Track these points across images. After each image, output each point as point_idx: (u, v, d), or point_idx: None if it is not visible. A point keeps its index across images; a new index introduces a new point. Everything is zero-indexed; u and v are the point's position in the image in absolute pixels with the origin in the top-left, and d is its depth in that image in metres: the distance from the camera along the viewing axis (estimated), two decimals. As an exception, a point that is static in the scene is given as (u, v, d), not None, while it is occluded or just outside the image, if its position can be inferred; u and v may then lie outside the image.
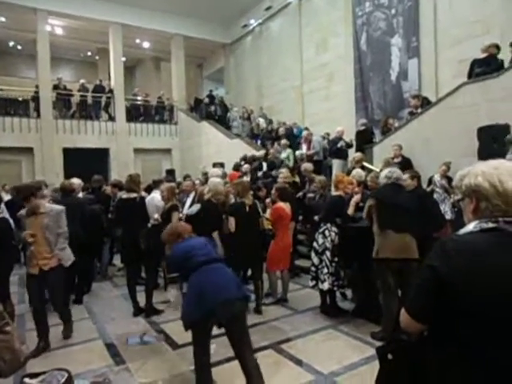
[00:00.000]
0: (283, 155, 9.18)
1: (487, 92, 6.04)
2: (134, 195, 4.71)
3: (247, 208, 4.59)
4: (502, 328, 1.07)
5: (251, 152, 10.75)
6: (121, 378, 3.21)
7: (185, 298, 2.70)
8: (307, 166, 7.06)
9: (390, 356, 1.35)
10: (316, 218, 5.05)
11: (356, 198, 4.44)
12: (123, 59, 16.12)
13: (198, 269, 2.62)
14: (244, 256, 4.48)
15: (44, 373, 2.44)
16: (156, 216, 4.86)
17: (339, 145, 8.39)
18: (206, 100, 15.32)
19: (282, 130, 11.16)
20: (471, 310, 1.09)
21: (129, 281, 4.74)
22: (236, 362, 2.69)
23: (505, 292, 1.07)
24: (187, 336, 2.68)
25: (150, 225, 4.96)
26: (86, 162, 12.29)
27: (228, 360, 3.26)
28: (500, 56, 6.50)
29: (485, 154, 4.94)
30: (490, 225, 1.15)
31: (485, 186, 1.15)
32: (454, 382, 1.13)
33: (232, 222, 4.51)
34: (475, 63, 6.51)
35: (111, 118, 15.15)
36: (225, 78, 18.54)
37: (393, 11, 10.21)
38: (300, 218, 6.37)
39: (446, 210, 5.82)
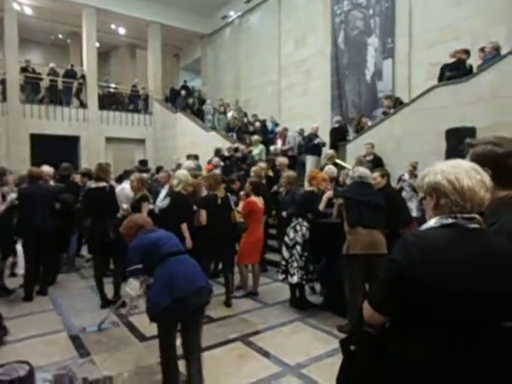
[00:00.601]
0: (255, 151, 9.15)
1: (456, 95, 6.26)
2: (103, 184, 4.59)
3: (219, 201, 4.57)
4: (457, 320, 1.12)
5: (226, 145, 10.71)
6: (85, 370, 3.14)
7: (149, 289, 2.60)
8: (282, 160, 7.11)
9: (352, 347, 1.38)
10: (284, 213, 5.12)
11: (328, 193, 4.51)
12: (97, 45, 15.58)
13: (166, 259, 2.57)
14: (215, 249, 4.48)
15: (3, 365, 2.35)
16: (125, 206, 4.77)
17: (316, 141, 8.48)
18: (183, 93, 15.10)
19: (257, 125, 11.17)
20: (429, 303, 1.13)
21: (96, 272, 4.63)
22: (211, 352, 2.70)
23: (460, 285, 1.12)
24: (156, 328, 2.65)
25: (119, 215, 4.86)
26: (54, 149, 11.86)
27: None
28: (470, 61, 6.75)
29: (452, 154, 5.11)
30: (450, 220, 1.20)
31: (443, 183, 1.21)
32: (416, 372, 1.17)
33: (203, 214, 4.49)
34: (445, 67, 6.73)
35: (83, 105, 14.65)
36: (202, 69, 18.30)
37: (370, 11, 10.36)
38: (274, 212, 6.41)
39: (413, 208, 6.01)
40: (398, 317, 1.23)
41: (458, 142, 5.45)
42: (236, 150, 9.65)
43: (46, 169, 5.78)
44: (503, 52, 6.24)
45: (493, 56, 6.34)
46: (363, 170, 4.02)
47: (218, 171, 6.88)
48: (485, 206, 1.21)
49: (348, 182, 4.08)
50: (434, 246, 1.17)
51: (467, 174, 1.19)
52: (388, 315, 1.25)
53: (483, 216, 1.24)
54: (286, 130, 10.13)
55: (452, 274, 1.12)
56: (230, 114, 13.37)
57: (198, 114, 14.62)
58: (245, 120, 12.79)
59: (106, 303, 4.55)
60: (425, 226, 1.27)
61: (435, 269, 1.13)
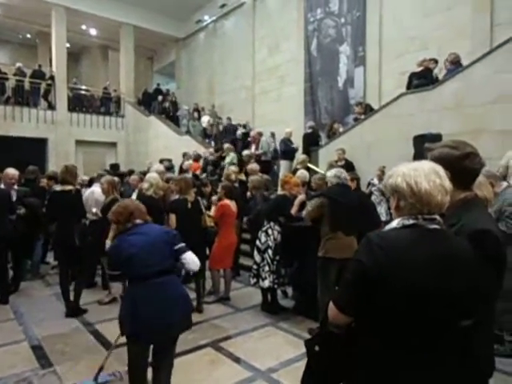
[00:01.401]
0: (227, 160, 8.89)
1: (423, 103, 6.48)
2: (69, 188, 4.43)
3: (189, 205, 4.51)
4: (419, 319, 1.14)
5: (200, 150, 10.63)
6: (46, 381, 3.01)
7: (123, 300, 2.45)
8: (253, 166, 7.12)
9: (316, 348, 1.38)
10: (245, 219, 5.13)
11: (300, 197, 4.52)
12: (67, 45, 15.21)
13: (136, 281, 2.31)
14: None
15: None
16: (94, 210, 4.62)
17: (291, 147, 8.54)
18: (160, 98, 14.91)
19: (238, 134, 11.16)
20: (391, 302, 1.15)
21: (62, 279, 4.45)
22: (182, 358, 2.62)
23: (420, 285, 1.14)
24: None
25: (87, 220, 4.71)
26: (20, 152, 11.42)
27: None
28: (436, 71, 7.02)
29: (419, 160, 5.28)
30: (411, 221, 1.23)
31: (403, 186, 1.23)
32: (379, 372, 1.19)
33: (173, 218, 4.42)
34: (413, 76, 6.96)
35: (51, 107, 14.21)
36: (176, 73, 18.16)
37: (342, 20, 10.60)
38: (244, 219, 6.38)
39: (382, 212, 6.15)
40: (362, 316, 1.24)
41: (424, 148, 5.64)
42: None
43: (12, 172, 5.46)
44: (467, 63, 6.51)
45: (454, 68, 6.60)
46: (343, 172, 3.99)
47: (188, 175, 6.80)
48: (444, 208, 1.24)
49: (332, 180, 3.91)
50: (396, 246, 1.19)
51: (426, 177, 1.21)
52: (352, 315, 1.26)
53: (444, 217, 1.27)
54: (260, 134, 10.17)
55: (413, 274, 1.14)
56: (205, 119, 13.29)
57: (173, 118, 14.47)
58: (220, 127, 12.72)
59: (71, 312, 4.38)
60: (388, 227, 1.30)
61: (398, 269, 1.15)
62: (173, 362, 2.56)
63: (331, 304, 1.30)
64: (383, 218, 6.00)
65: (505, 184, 3.56)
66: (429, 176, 1.21)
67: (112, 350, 3.02)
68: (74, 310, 4.38)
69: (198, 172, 9.04)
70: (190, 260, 2.48)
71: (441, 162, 1.37)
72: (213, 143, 12.39)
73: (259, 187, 5.29)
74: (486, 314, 1.36)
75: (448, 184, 1.23)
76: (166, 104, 14.83)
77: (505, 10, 7.47)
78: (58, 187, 4.63)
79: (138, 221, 2.47)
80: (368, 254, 1.19)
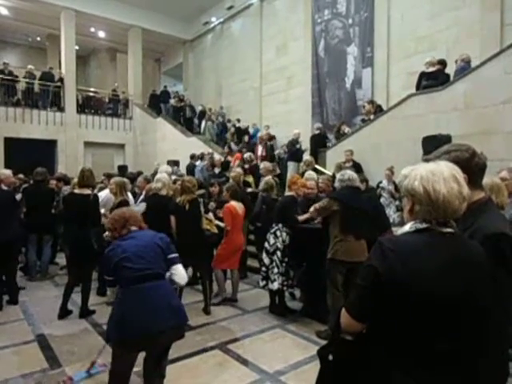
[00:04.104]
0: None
1: (432, 104, 6.42)
2: (87, 192, 4.44)
3: (187, 206, 4.47)
4: (435, 323, 1.12)
5: (207, 150, 10.66)
6: (56, 382, 3.02)
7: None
8: (267, 164, 7.11)
9: (330, 357, 1.35)
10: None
11: (316, 205, 4.34)
12: (76, 47, 15.36)
13: (126, 286, 2.28)
14: (187, 256, 4.39)
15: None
16: (103, 211, 4.64)
17: (303, 148, 8.53)
18: (172, 101, 14.96)
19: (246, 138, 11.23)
20: (407, 308, 1.13)
21: (69, 281, 4.45)
22: (189, 360, 2.58)
23: (436, 290, 1.12)
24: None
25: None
26: (30, 154, 11.56)
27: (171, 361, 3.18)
28: (447, 71, 6.95)
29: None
30: (424, 225, 1.20)
31: (420, 191, 1.19)
32: (395, 377, 1.16)
33: (173, 220, 4.44)
34: (423, 76, 6.90)
35: (60, 109, 14.35)
36: (183, 75, 18.23)
37: (350, 21, 10.56)
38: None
39: (391, 214, 6.10)
40: (376, 324, 1.21)
41: (434, 149, 5.57)
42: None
43: (6, 172, 5.18)
44: (476, 63, 6.44)
45: (463, 68, 6.56)
46: (352, 173, 3.95)
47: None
48: (460, 214, 1.21)
49: (337, 185, 3.90)
50: (410, 251, 1.16)
51: (445, 183, 1.17)
52: (365, 322, 1.24)
53: (457, 220, 1.25)
54: (270, 136, 10.10)
55: (427, 280, 1.12)
56: (209, 124, 13.33)
57: (188, 123, 14.37)
58: (232, 129, 12.72)
59: (64, 313, 4.36)
60: (400, 231, 1.27)
61: (411, 275, 1.12)
62: (164, 374, 2.49)
63: (344, 311, 1.27)
64: (391, 219, 5.96)
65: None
66: (448, 182, 1.17)
67: (103, 348, 3.10)
68: (83, 312, 4.40)
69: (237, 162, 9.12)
70: (179, 273, 2.45)
71: (457, 165, 1.35)
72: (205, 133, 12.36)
73: (265, 189, 5.26)
74: (503, 318, 1.34)
75: (466, 190, 1.19)
76: (182, 106, 14.77)
77: (515, 10, 7.37)
78: (76, 190, 4.59)
79: (134, 228, 2.50)
80: (381, 260, 1.17)
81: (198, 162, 9.93)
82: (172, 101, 15.09)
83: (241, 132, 12.26)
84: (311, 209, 4.03)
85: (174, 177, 6.32)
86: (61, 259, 6.52)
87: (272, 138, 10.49)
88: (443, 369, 1.12)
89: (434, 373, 1.13)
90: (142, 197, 5.72)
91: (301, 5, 12.00)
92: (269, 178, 5.57)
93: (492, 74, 5.74)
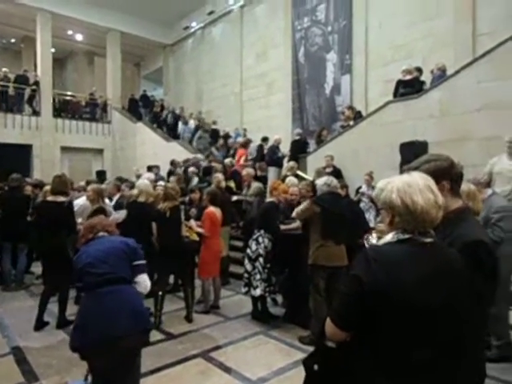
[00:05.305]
0: (193, 183, 8.14)
1: (409, 111, 6.59)
2: (61, 199, 4.33)
3: (168, 213, 4.43)
4: (415, 331, 1.15)
5: (187, 156, 10.59)
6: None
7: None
8: (249, 170, 7.14)
9: (316, 367, 1.36)
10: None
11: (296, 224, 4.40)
12: (52, 50, 15.02)
13: (88, 291, 2.25)
14: (167, 262, 4.36)
15: None
16: (80, 220, 4.53)
17: (280, 154, 8.59)
18: (159, 110, 14.83)
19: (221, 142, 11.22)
20: (389, 316, 1.15)
21: (45, 290, 4.33)
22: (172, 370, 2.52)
23: (418, 299, 1.14)
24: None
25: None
26: (4, 159, 11.22)
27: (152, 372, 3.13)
28: (422, 79, 7.16)
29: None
30: (406, 235, 1.23)
31: (398, 203, 1.22)
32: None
33: (154, 227, 4.40)
34: (400, 84, 7.08)
35: (36, 113, 13.99)
36: (164, 79, 18.11)
37: (329, 28, 10.75)
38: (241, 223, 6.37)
39: (371, 219, 6.20)
40: (360, 332, 1.22)
41: (411, 155, 5.71)
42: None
43: None
44: (451, 71, 6.66)
45: (439, 76, 6.78)
46: (333, 179, 4.02)
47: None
48: (437, 223, 1.25)
49: (322, 188, 3.91)
50: (394, 262, 1.18)
51: (422, 194, 1.21)
52: (350, 331, 1.25)
53: (436, 228, 1.28)
54: (249, 141, 10.12)
55: (413, 291, 1.15)
56: (191, 122, 13.24)
57: (171, 129, 14.06)
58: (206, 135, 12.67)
59: (40, 324, 4.23)
60: (382, 241, 1.29)
61: (397, 285, 1.14)
62: None
63: (328, 320, 1.28)
64: (372, 224, 6.05)
65: (490, 191, 3.64)
66: (424, 193, 1.21)
67: None
68: (60, 322, 4.27)
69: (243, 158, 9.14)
70: (142, 282, 2.39)
71: (437, 174, 1.40)
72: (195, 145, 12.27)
73: (257, 193, 5.30)
74: (480, 322, 1.39)
75: (441, 199, 1.24)
76: (164, 113, 14.58)
77: (487, 21, 7.67)
78: (49, 197, 4.47)
79: (101, 233, 2.47)
80: (365, 269, 1.18)
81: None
82: (158, 108, 14.94)
83: (216, 134, 12.27)
84: (293, 213, 4.06)
85: (161, 182, 6.23)
86: (37, 268, 6.32)
87: (248, 142, 10.45)
88: (425, 376, 1.15)
89: (416, 380, 1.15)
90: (113, 203, 5.63)
91: (281, 12, 12.14)
92: (258, 183, 5.61)
93: (465, 82, 5.94)
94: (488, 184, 4.41)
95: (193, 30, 15.91)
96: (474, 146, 5.70)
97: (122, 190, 5.87)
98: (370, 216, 6.22)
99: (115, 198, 5.79)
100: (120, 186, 6.03)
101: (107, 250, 2.33)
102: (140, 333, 2.22)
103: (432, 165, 1.51)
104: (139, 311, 2.26)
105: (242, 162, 9.09)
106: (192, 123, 13.16)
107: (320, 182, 4.00)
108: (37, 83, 13.99)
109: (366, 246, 4.36)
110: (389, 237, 1.27)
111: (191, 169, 8.66)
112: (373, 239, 4.11)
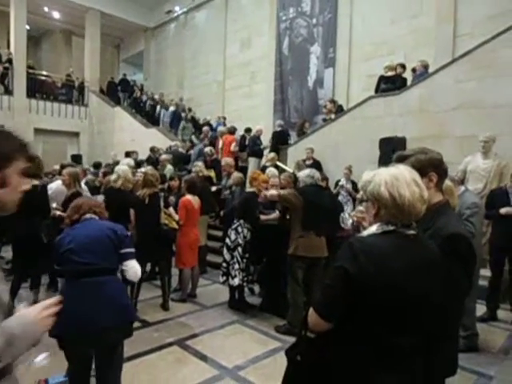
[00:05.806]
0: (166, 171, 7.68)
1: (389, 107, 6.69)
2: (34, 182, 4.18)
3: (146, 200, 4.36)
4: (401, 320, 1.18)
5: (167, 142, 10.43)
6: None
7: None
8: (228, 160, 7.08)
9: (298, 358, 1.37)
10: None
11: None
12: (27, 27, 14.37)
13: (69, 280, 2.16)
14: (144, 250, 4.30)
15: None
16: (54, 205, 4.39)
17: (261, 145, 8.58)
18: (137, 93, 14.43)
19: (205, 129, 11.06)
20: (375, 307, 1.17)
21: (15, 277, 4.19)
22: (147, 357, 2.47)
23: (403, 289, 1.18)
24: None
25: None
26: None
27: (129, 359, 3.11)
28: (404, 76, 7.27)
29: (384, 162, 5.44)
30: (390, 227, 1.25)
31: (386, 196, 1.24)
32: (355, 375, 1.21)
33: (132, 214, 4.34)
34: (382, 79, 7.16)
35: (8, 92, 13.41)
36: (144, 64, 17.68)
37: (314, 21, 10.72)
38: (221, 213, 6.30)
39: (349, 212, 6.30)
40: (343, 322, 1.24)
41: (390, 150, 5.82)
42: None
43: None
44: (431, 70, 6.79)
45: (421, 73, 6.90)
46: (316, 172, 4.04)
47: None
48: (421, 216, 1.27)
49: (305, 180, 3.91)
50: (380, 253, 1.20)
51: (409, 187, 1.23)
52: (332, 321, 1.26)
53: (418, 221, 1.31)
54: (235, 128, 9.95)
55: (395, 280, 1.17)
56: (171, 109, 13.02)
57: (150, 115, 13.78)
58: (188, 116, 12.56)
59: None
60: (367, 232, 1.31)
61: (383, 275, 1.17)
62: (118, 379, 2.29)
63: (312, 311, 1.28)
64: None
65: (463, 188, 3.75)
66: (411, 186, 1.23)
67: None
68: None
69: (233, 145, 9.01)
70: (131, 269, 2.27)
71: (429, 165, 1.44)
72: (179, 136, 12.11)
73: (238, 183, 5.29)
74: (457, 311, 1.45)
75: (426, 193, 1.27)
76: (144, 98, 14.25)
77: (467, 23, 7.83)
78: None
79: (88, 215, 2.32)
80: (351, 261, 1.19)
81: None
82: (137, 92, 14.60)
83: (195, 121, 12.12)
84: (274, 192, 4.06)
85: (143, 169, 6.08)
86: (6, 253, 6.12)
87: (234, 130, 10.34)
88: (409, 361, 1.19)
89: (401, 367, 1.19)
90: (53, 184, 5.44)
91: (266, 1, 12.00)
92: (239, 173, 5.60)
93: (444, 81, 6.08)
94: (462, 181, 4.56)
95: (176, 14, 15.54)
96: (450, 143, 5.85)
97: (86, 176, 5.73)
98: (347, 209, 6.32)
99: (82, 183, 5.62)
100: (86, 170, 5.88)
101: (93, 236, 2.20)
102: (121, 327, 2.17)
103: (428, 156, 1.56)
104: (122, 304, 2.20)
105: (232, 148, 8.94)
106: (172, 109, 12.94)
107: (303, 173, 4.03)
108: (10, 61, 13.38)
109: (342, 225, 4.47)
110: (373, 228, 1.28)
111: (164, 156, 8.48)
112: (348, 220, 4.22)
